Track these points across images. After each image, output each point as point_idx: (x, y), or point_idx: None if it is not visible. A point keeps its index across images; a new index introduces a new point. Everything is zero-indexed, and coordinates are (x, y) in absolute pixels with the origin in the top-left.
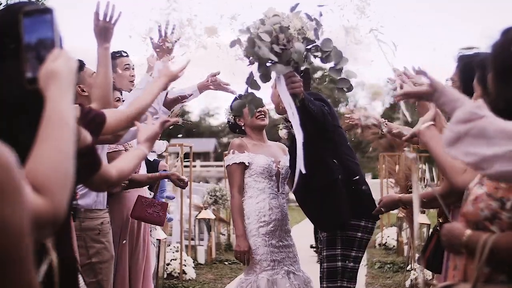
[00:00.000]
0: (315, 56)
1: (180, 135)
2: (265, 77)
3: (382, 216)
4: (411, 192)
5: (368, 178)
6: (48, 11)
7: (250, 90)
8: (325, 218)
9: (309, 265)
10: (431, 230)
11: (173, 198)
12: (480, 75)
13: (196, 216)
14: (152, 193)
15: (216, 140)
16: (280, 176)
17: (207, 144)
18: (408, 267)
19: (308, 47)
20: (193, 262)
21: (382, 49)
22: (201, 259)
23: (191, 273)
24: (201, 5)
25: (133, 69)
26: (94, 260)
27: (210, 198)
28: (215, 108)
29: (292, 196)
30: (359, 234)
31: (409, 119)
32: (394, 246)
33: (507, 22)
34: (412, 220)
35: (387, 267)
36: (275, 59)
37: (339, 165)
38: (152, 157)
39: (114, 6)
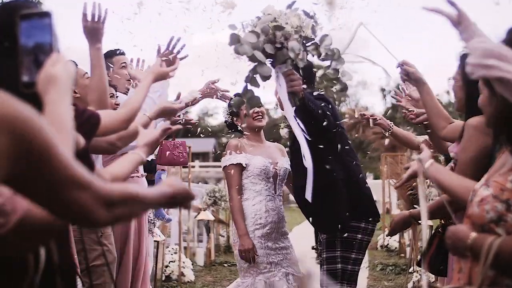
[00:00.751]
0: (313, 54)
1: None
2: (264, 76)
3: (384, 218)
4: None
5: (370, 179)
6: (46, 15)
7: (249, 87)
8: (325, 220)
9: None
10: (433, 231)
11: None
12: None
13: (195, 217)
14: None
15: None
16: (278, 177)
17: (206, 144)
18: (411, 269)
19: (308, 44)
20: (192, 264)
21: (377, 39)
22: (200, 261)
23: (190, 275)
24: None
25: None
26: (96, 263)
27: (209, 199)
28: (214, 108)
29: (292, 197)
30: (359, 236)
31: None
32: (396, 248)
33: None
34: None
35: (389, 269)
36: (262, 59)
37: (340, 166)
38: (149, 157)
39: (100, 5)
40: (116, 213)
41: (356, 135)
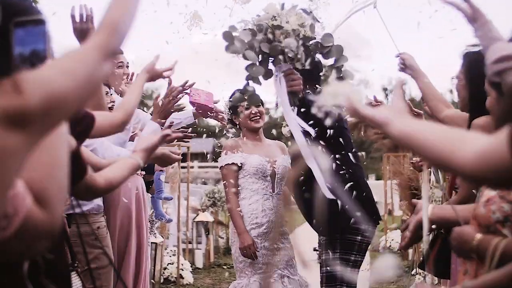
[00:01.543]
0: (315, 53)
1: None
2: (265, 74)
3: (386, 219)
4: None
5: (372, 179)
6: (41, 22)
7: (251, 84)
8: (324, 221)
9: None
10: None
11: (171, 199)
12: None
13: (194, 218)
14: (151, 195)
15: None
16: (276, 176)
17: (205, 145)
18: (413, 271)
19: (310, 43)
20: (191, 266)
21: (386, 26)
22: (199, 263)
23: (188, 277)
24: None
25: (127, 67)
26: (92, 266)
27: (208, 200)
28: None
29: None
30: (359, 238)
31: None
32: (398, 249)
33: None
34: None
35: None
36: (253, 59)
37: (340, 167)
38: None
39: (85, 5)
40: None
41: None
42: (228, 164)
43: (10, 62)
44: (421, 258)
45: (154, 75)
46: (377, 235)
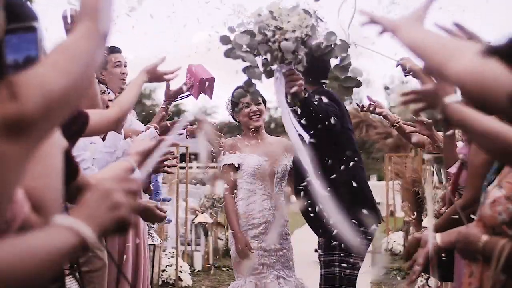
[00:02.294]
0: (318, 54)
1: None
2: (267, 73)
3: (388, 220)
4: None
5: (373, 180)
6: (33, 29)
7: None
8: (324, 222)
9: (311, 270)
10: None
11: (169, 200)
12: None
13: (193, 220)
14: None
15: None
16: (275, 176)
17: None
18: None
19: (312, 43)
20: (190, 268)
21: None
22: (198, 265)
23: (187, 280)
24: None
25: (125, 66)
26: (84, 269)
27: (207, 201)
28: (213, 107)
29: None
30: (358, 240)
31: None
32: (400, 251)
33: None
34: (420, 224)
35: (393, 273)
36: (252, 62)
37: (343, 168)
38: None
39: (72, 8)
40: None
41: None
42: (226, 164)
43: (3, 69)
44: None
45: (154, 77)
46: (379, 237)
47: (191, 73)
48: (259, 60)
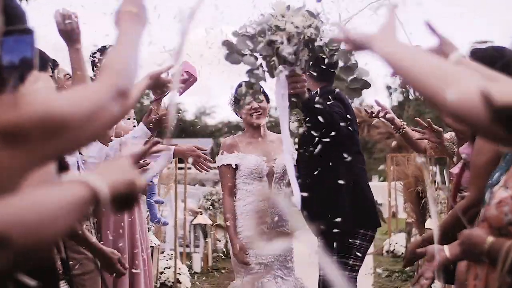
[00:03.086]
0: (321, 56)
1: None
2: (271, 73)
3: (390, 222)
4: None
5: (375, 181)
6: (28, 31)
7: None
8: (324, 224)
9: (312, 271)
10: None
11: (162, 202)
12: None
13: (192, 221)
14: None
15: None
16: (274, 175)
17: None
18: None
19: (315, 45)
20: (188, 270)
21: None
22: (197, 267)
23: (186, 282)
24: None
25: None
26: (75, 272)
27: (206, 202)
28: (212, 107)
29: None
30: (358, 241)
31: None
32: (402, 253)
33: None
34: (422, 225)
35: (395, 275)
36: (253, 65)
37: (347, 170)
38: None
39: (65, 8)
40: None
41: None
42: (224, 165)
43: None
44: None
45: (156, 84)
46: (381, 238)
47: (190, 69)
48: (261, 60)
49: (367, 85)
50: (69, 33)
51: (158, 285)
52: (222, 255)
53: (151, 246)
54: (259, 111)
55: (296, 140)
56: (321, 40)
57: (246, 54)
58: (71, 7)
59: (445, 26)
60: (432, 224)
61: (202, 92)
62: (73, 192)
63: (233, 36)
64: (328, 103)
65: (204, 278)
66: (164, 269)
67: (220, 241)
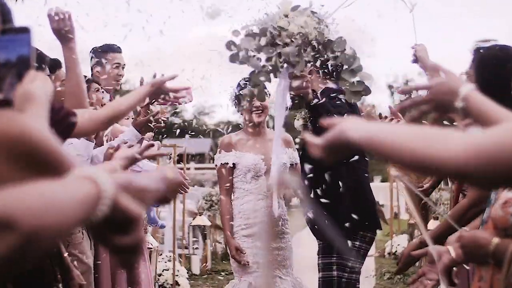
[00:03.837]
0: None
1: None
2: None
3: (392, 223)
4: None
5: (377, 181)
6: (25, 30)
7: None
8: (323, 226)
9: (312, 273)
10: None
11: (157, 206)
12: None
13: (190, 223)
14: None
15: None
16: None
17: (202, 145)
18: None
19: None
20: (187, 272)
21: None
22: (196, 269)
23: (184, 284)
24: None
25: (123, 68)
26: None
27: (206, 203)
28: (211, 106)
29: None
30: (357, 243)
31: None
32: None
33: None
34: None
35: (397, 278)
36: (257, 67)
37: (350, 173)
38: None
39: (57, 7)
40: None
41: None
42: (221, 164)
43: None
44: None
45: (158, 92)
46: (383, 240)
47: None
48: (265, 61)
49: (368, 91)
50: (62, 31)
51: (157, 287)
52: (221, 257)
53: (149, 248)
54: (260, 109)
55: (300, 140)
56: (325, 41)
57: (251, 56)
58: (66, 6)
59: (445, 26)
60: (421, 229)
61: (201, 92)
62: (78, 187)
63: (233, 36)
64: (334, 103)
65: (203, 280)
66: (163, 271)
67: (220, 243)
